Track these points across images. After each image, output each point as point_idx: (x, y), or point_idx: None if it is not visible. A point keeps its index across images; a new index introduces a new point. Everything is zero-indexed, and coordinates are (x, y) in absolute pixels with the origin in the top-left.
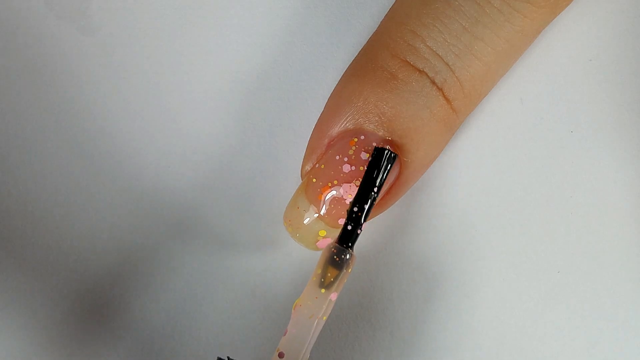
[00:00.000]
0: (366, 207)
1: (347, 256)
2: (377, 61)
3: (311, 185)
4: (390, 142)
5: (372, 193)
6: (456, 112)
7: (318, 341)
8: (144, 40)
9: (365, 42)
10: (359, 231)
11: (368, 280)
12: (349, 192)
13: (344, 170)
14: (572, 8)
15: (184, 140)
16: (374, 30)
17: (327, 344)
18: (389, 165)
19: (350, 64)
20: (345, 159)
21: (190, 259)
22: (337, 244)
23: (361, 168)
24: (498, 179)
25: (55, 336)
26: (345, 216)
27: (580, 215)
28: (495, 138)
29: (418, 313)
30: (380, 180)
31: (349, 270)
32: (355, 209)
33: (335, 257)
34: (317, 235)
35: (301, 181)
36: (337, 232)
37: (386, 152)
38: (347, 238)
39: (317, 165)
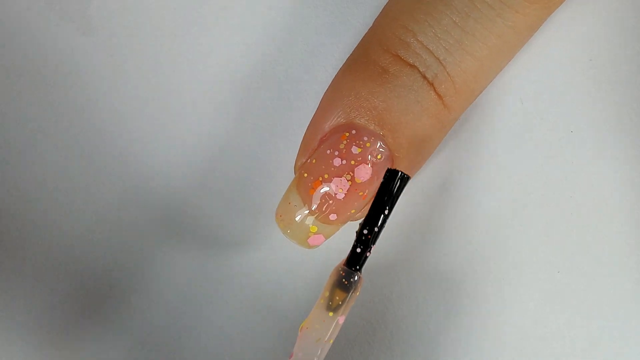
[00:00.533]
0: (376, 229)
1: (355, 278)
2: (370, 56)
3: (303, 180)
4: (382, 137)
5: (383, 215)
6: (448, 109)
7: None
8: (143, 40)
9: None
10: (367, 254)
11: (368, 280)
12: (340, 187)
13: (334, 164)
14: (571, 8)
15: (184, 140)
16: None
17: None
18: (401, 188)
19: (345, 61)
20: (336, 153)
21: (189, 259)
22: (345, 267)
23: (352, 162)
24: (498, 179)
25: (55, 336)
26: (336, 212)
27: (580, 215)
28: (495, 138)
29: (418, 313)
30: (392, 202)
31: (357, 293)
32: (365, 232)
33: (344, 280)
34: (308, 231)
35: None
36: (328, 229)
37: (399, 174)
38: (355, 261)
39: (309, 160)
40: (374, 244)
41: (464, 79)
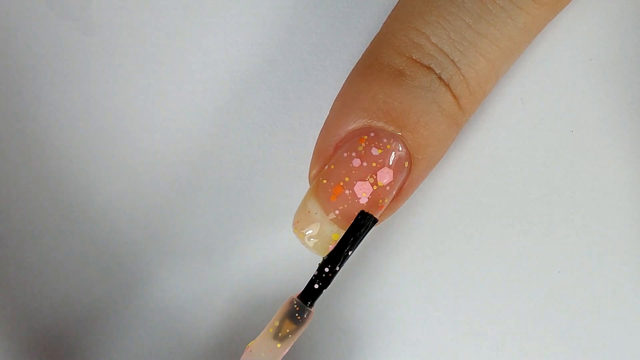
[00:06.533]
0: (338, 268)
1: (307, 313)
2: (383, 60)
3: (321, 187)
4: (401, 138)
5: (346, 255)
6: (462, 110)
7: (317, 342)
8: (144, 40)
9: (368, 42)
10: (324, 290)
11: (367, 279)
12: (364, 191)
13: (354, 165)
14: (572, 7)
15: (184, 139)
16: (378, 32)
17: (325, 344)
18: (368, 230)
19: (355, 66)
20: (354, 154)
21: (189, 259)
22: (299, 300)
23: (373, 164)
24: (498, 178)
25: (54, 336)
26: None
27: (580, 215)
28: (495, 138)
29: (418, 313)
30: (357, 244)
31: (305, 327)
32: (327, 270)
33: (296, 314)
34: (330, 240)
35: (309, 185)
36: None
37: (370, 217)
38: (311, 296)
39: (326, 167)
40: (330, 283)
41: (477, 80)
